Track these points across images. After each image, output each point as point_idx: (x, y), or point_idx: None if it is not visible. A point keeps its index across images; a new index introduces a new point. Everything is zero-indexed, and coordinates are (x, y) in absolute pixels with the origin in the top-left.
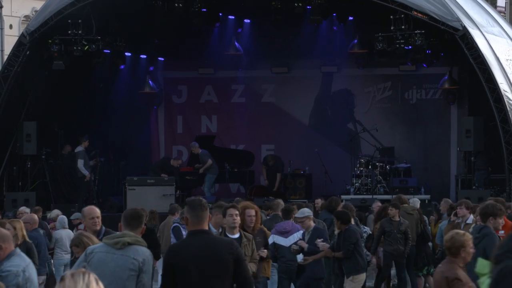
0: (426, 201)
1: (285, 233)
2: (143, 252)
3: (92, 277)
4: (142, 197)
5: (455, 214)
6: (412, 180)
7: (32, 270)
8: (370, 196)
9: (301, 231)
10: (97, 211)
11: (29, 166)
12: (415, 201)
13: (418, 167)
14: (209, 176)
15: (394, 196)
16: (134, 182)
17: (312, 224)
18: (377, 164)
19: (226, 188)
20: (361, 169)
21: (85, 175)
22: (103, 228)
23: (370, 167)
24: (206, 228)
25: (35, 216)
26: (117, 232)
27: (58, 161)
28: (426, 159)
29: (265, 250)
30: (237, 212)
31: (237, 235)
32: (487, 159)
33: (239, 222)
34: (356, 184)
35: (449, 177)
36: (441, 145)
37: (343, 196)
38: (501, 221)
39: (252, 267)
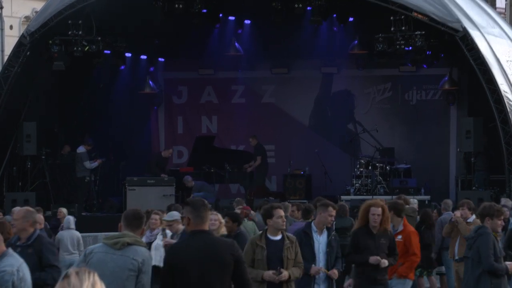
0: (426, 202)
1: None
2: (143, 252)
3: (97, 277)
4: (142, 197)
5: None
6: (412, 180)
7: (25, 270)
8: (370, 197)
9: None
10: (19, 213)
11: (29, 166)
12: (412, 203)
13: (418, 167)
14: (205, 193)
15: (394, 196)
16: (134, 182)
17: (181, 227)
18: (377, 164)
19: (226, 189)
20: (361, 169)
21: (88, 173)
22: (37, 231)
23: (370, 167)
24: (207, 228)
25: (41, 216)
26: (116, 233)
27: (57, 162)
28: (426, 160)
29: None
30: (283, 214)
31: (279, 237)
32: (487, 160)
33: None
34: (356, 185)
35: (449, 178)
36: (441, 145)
37: (343, 197)
38: (500, 222)
39: (295, 272)
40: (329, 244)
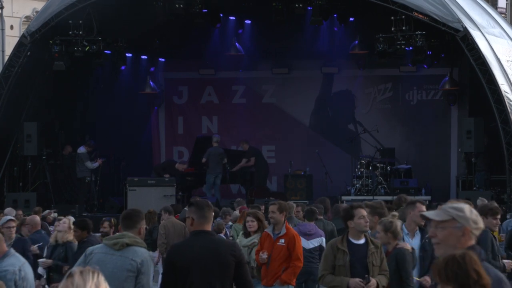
0: (427, 202)
1: (308, 235)
2: (142, 253)
3: (102, 277)
4: (142, 197)
5: None
6: (413, 181)
7: (27, 269)
8: (371, 197)
9: (323, 237)
10: None
11: (29, 166)
12: None
13: (419, 168)
14: (207, 176)
15: (395, 197)
16: (135, 183)
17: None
18: (378, 165)
19: (227, 189)
20: (362, 170)
21: (89, 173)
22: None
23: (370, 168)
24: (209, 229)
25: (37, 218)
26: (117, 233)
27: (58, 162)
28: (426, 160)
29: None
30: (365, 213)
31: (362, 241)
32: (487, 160)
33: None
34: (357, 185)
35: (449, 178)
36: (441, 146)
37: (343, 197)
38: (495, 221)
39: (382, 281)
40: (422, 248)
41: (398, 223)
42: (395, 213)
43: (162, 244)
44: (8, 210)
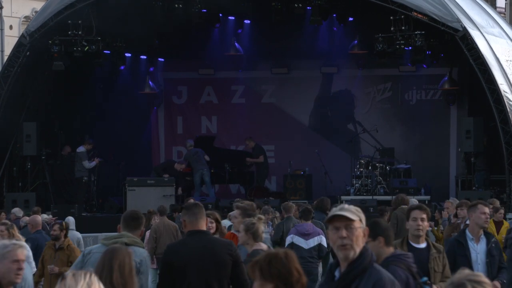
0: (426, 202)
1: (306, 235)
2: (141, 253)
3: (95, 278)
4: (142, 197)
5: (456, 215)
6: (412, 181)
7: (26, 270)
8: (370, 197)
9: (321, 236)
10: None
11: (29, 166)
12: (412, 202)
13: (418, 168)
14: (193, 177)
15: (394, 196)
16: (134, 182)
17: None
18: (377, 165)
19: (226, 189)
20: (361, 169)
21: (87, 173)
22: None
23: (370, 168)
24: (204, 228)
25: (38, 218)
26: (115, 233)
27: (58, 162)
28: (426, 160)
29: None
30: (425, 216)
31: (423, 245)
32: (487, 159)
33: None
34: (356, 185)
35: (449, 178)
36: (441, 146)
37: (343, 197)
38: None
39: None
40: (489, 253)
41: (261, 226)
42: (262, 216)
43: (151, 248)
44: (16, 210)
